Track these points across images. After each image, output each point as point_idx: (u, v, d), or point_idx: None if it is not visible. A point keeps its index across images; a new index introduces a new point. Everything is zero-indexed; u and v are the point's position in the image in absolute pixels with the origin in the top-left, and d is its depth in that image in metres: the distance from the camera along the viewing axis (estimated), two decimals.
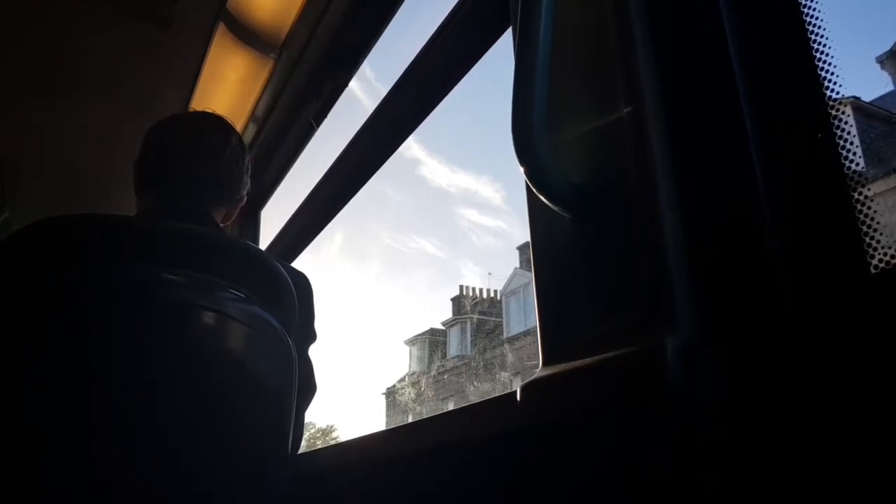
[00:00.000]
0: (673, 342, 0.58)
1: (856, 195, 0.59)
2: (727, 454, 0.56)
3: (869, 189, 0.60)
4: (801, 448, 0.52)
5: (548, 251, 0.79)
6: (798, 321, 0.55)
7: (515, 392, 0.74)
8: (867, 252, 0.57)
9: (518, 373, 25.24)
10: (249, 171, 1.69)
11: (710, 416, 0.57)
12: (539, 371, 0.73)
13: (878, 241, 0.57)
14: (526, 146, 0.71)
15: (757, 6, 0.68)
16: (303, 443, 1.60)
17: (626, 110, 0.70)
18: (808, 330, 0.54)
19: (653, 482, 0.58)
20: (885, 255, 0.56)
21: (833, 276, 0.58)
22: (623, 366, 0.62)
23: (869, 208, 0.59)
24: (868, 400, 0.50)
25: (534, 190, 0.74)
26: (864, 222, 0.58)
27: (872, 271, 0.56)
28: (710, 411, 0.57)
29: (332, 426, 40.75)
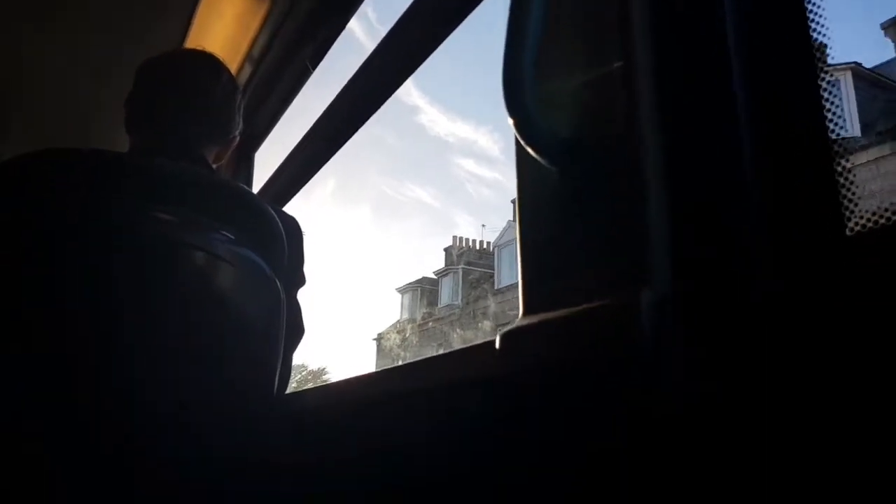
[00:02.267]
0: (647, 296, 0.59)
1: (838, 161, 0.60)
2: (697, 407, 0.57)
3: (853, 155, 0.61)
4: (771, 407, 0.54)
5: (533, 203, 0.80)
6: (772, 279, 0.57)
7: (495, 340, 0.75)
8: (844, 215, 0.58)
9: (504, 323, 25.40)
10: (242, 111, 1.69)
11: (681, 370, 0.58)
12: (518, 320, 0.75)
13: (857, 205, 0.58)
14: (516, 98, 0.72)
15: None
16: (293, 383, 1.62)
17: (616, 65, 0.70)
18: (783, 290, 0.56)
19: (624, 431, 0.60)
20: (861, 218, 0.57)
21: (809, 238, 0.59)
22: (598, 317, 0.64)
23: (852, 174, 0.59)
24: (841, 360, 0.51)
25: (521, 141, 0.74)
26: (844, 185, 0.59)
27: (847, 234, 0.57)
28: (682, 366, 0.59)
29: (323, 368, 41.17)
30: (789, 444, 0.52)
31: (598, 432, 0.62)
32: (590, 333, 0.64)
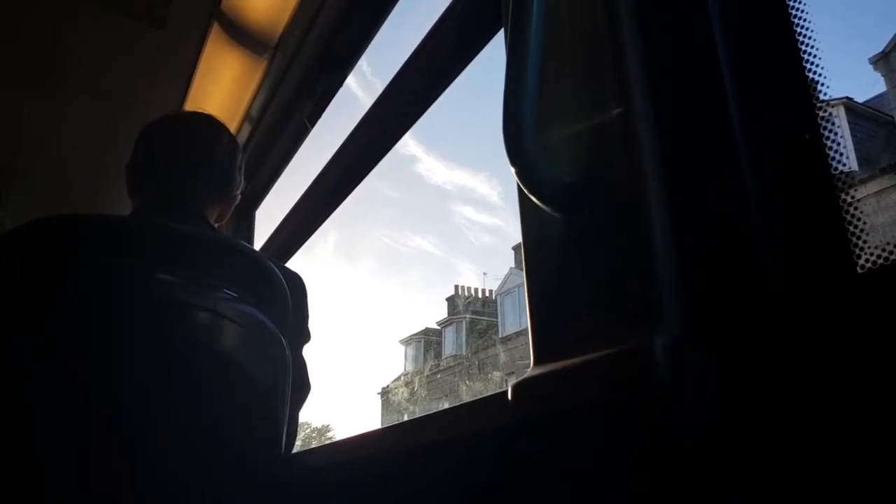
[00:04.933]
0: (661, 339, 0.59)
1: (843, 196, 0.60)
2: (715, 450, 0.56)
3: (856, 190, 0.61)
4: (788, 444, 0.53)
5: (539, 250, 0.80)
6: (786, 319, 0.56)
7: (507, 391, 0.74)
8: (854, 252, 0.57)
9: (511, 373, 25.23)
10: (243, 170, 1.70)
11: (698, 413, 0.57)
12: (530, 370, 0.74)
13: (865, 242, 0.58)
14: (517, 146, 0.72)
15: (745, 10, 0.69)
16: (298, 442, 1.60)
17: (616, 111, 0.70)
18: (796, 328, 0.55)
19: (643, 479, 0.59)
20: (872, 255, 0.57)
21: (820, 276, 0.58)
22: (612, 363, 0.63)
23: (856, 209, 0.59)
24: (854, 395, 0.51)
25: (525, 190, 0.74)
26: (850, 223, 0.59)
27: (859, 271, 0.57)
28: (698, 407, 0.58)
29: (327, 426, 40.78)
30: (813, 480, 0.51)
31: (618, 480, 0.61)
32: (604, 380, 0.64)
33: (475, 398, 0.90)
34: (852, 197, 0.60)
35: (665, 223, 0.65)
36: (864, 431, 0.49)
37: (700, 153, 0.66)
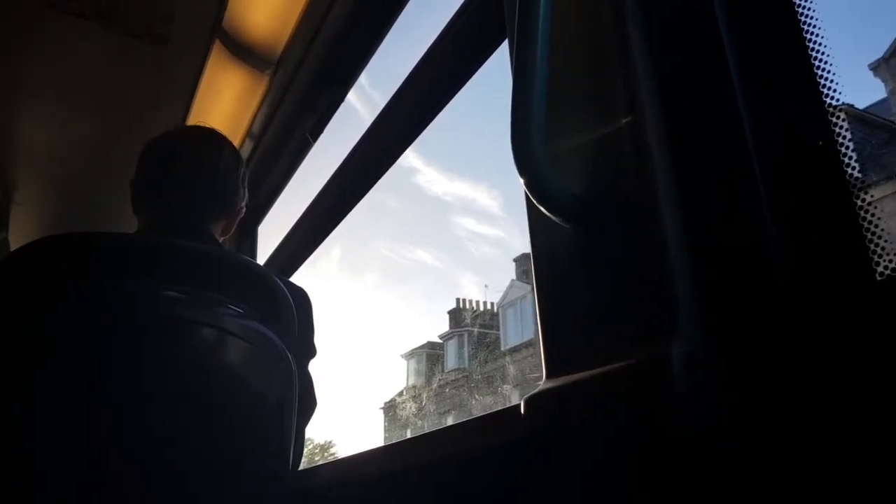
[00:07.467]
0: (677, 351, 0.58)
1: (858, 201, 0.59)
2: (734, 462, 0.55)
3: (871, 195, 0.60)
4: (808, 454, 0.52)
5: (549, 262, 0.79)
6: (803, 328, 0.55)
7: (519, 405, 0.73)
8: (872, 259, 0.57)
9: (518, 385, 25.11)
10: (246, 183, 1.69)
11: (716, 425, 0.56)
12: (542, 384, 0.73)
13: (883, 248, 0.57)
14: (526, 157, 0.71)
15: (754, 16, 0.68)
16: (303, 459, 1.58)
17: (624, 120, 0.70)
18: (814, 336, 0.54)
19: (660, 493, 0.58)
20: (891, 261, 0.56)
21: (838, 283, 0.57)
22: (628, 376, 0.62)
23: (872, 214, 0.58)
24: (874, 404, 0.50)
25: (534, 201, 0.73)
26: (867, 229, 0.58)
27: (878, 278, 0.56)
28: (716, 419, 0.57)
29: (330, 442, 40.55)
30: (837, 494, 0.50)
31: (635, 494, 0.60)
32: (620, 393, 0.63)
33: (485, 412, 0.89)
34: (867, 202, 0.59)
35: (678, 232, 0.64)
36: (885, 435, 0.48)
37: (711, 161, 0.66)
